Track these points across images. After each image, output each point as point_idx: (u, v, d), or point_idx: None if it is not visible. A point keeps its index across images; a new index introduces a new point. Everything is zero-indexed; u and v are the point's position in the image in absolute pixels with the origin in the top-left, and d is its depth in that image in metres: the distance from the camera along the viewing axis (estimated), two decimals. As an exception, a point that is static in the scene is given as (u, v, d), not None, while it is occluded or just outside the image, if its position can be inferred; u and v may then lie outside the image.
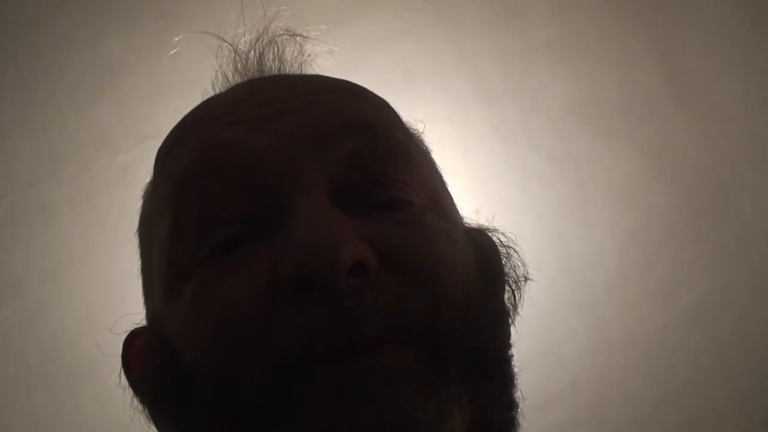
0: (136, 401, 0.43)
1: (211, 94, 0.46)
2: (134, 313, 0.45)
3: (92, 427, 1.45)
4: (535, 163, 1.63)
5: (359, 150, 0.39)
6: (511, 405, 0.40)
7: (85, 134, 1.44)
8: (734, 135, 1.64)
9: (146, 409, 0.43)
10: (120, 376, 0.44)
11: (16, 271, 1.44)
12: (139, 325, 0.46)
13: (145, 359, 0.42)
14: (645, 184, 1.65)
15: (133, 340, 0.46)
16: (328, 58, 0.49)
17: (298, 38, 0.47)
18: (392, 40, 1.53)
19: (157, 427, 0.42)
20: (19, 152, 1.43)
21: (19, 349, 1.44)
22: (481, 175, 1.59)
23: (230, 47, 0.47)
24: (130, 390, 0.44)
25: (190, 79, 1.43)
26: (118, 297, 1.34)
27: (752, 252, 1.70)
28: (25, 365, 1.44)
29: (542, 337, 1.65)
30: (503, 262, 0.45)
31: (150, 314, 0.44)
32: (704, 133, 1.64)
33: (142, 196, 0.46)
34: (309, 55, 0.47)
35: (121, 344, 0.46)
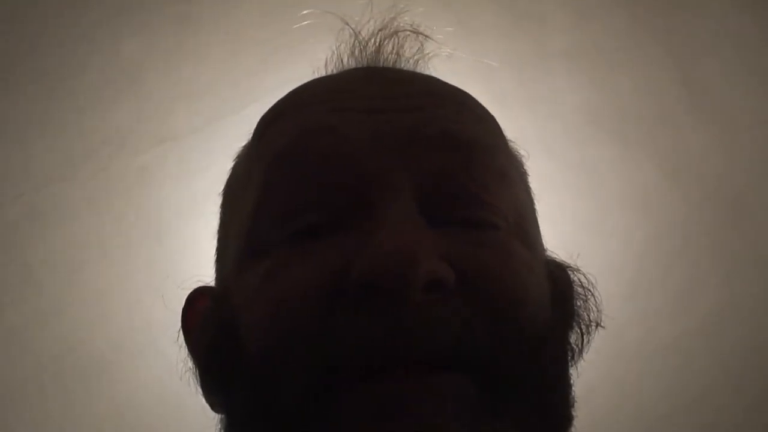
0: (188, 362, 0.43)
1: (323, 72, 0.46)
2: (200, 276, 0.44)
3: (104, 425, 1.45)
4: (551, 171, 1.63)
5: (453, 167, 0.38)
6: None
7: (102, 134, 1.44)
8: (750, 144, 1.64)
9: (197, 372, 0.42)
10: (178, 334, 0.44)
11: (33, 269, 1.44)
12: (206, 284, 0.45)
13: (204, 324, 0.41)
14: (661, 193, 1.64)
15: (196, 298, 0.45)
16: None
17: (420, 36, 0.46)
18: (409, 46, 1.53)
19: (204, 394, 0.42)
20: (37, 151, 1.43)
21: (33, 347, 1.44)
22: (497, 182, 1.58)
23: (352, 32, 0.46)
24: (185, 350, 0.44)
25: (208, 81, 1.44)
26: (133, 297, 1.34)
27: (768, 262, 1.69)
28: (39, 363, 1.44)
29: (556, 345, 1.64)
30: (578, 303, 0.44)
31: (219, 279, 0.43)
32: (720, 142, 1.64)
33: (234, 159, 0.46)
34: (427, 54, 0.46)
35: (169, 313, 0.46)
